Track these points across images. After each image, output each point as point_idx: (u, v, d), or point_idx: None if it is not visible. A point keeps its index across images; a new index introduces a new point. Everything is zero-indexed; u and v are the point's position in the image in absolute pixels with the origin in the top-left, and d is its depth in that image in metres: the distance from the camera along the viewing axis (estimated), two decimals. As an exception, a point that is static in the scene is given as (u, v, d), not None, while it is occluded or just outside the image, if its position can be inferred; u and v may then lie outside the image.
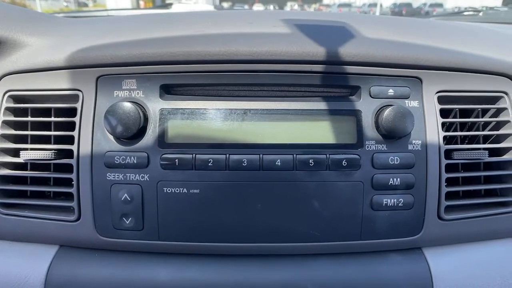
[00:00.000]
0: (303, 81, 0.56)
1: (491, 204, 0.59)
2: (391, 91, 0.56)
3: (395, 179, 0.55)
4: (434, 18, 1.72)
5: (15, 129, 0.58)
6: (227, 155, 0.53)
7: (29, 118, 0.58)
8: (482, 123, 0.61)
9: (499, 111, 0.60)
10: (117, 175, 0.54)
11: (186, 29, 0.59)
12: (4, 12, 0.59)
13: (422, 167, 0.55)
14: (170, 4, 2.25)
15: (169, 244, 0.55)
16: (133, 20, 0.73)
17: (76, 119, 0.55)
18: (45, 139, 0.57)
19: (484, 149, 0.58)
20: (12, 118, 0.58)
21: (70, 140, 0.56)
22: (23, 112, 0.59)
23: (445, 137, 0.57)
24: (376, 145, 0.55)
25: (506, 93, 0.60)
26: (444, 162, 0.56)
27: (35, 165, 0.58)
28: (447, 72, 0.58)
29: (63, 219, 0.56)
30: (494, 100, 0.61)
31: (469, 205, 0.59)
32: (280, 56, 0.53)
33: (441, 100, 0.58)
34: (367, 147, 0.55)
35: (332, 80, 0.56)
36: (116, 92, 0.55)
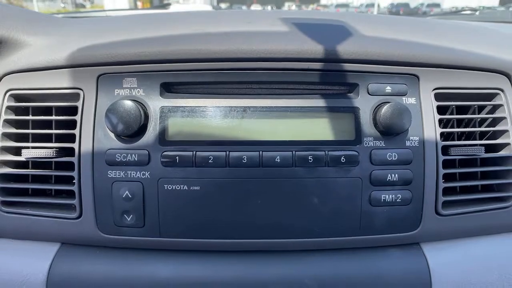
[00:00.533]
0: (302, 79, 0.56)
1: (488, 200, 0.60)
2: (388, 88, 0.57)
3: (393, 175, 0.55)
4: (431, 18, 1.73)
5: (17, 128, 0.58)
6: (227, 152, 0.54)
7: (31, 117, 0.58)
8: (479, 119, 0.62)
9: (495, 108, 0.61)
10: (118, 173, 0.55)
11: (186, 28, 0.60)
12: (5, 12, 0.60)
13: (419, 163, 0.56)
14: (168, 5, 2.26)
15: (170, 240, 0.56)
16: (132, 19, 0.73)
17: (77, 117, 0.56)
18: (47, 138, 0.58)
19: (481, 145, 0.59)
20: (13, 117, 0.58)
21: (71, 138, 0.56)
22: (25, 111, 0.59)
23: (442, 134, 0.57)
24: (374, 141, 0.56)
25: (502, 90, 0.61)
26: (441, 158, 0.57)
27: (37, 164, 0.58)
28: (443, 69, 0.59)
29: (65, 216, 0.56)
30: (490, 97, 0.61)
31: (466, 200, 0.59)
32: (279, 54, 0.54)
33: (438, 97, 0.59)
34: (365, 143, 0.55)
35: (331, 78, 0.56)
36: (117, 91, 0.56)
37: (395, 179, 0.55)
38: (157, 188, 0.54)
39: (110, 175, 0.55)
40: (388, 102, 0.55)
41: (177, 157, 0.54)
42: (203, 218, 0.55)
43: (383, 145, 0.56)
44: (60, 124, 0.58)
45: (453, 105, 0.60)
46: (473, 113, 0.61)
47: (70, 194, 0.57)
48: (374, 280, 0.56)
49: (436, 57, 0.58)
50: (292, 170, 0.54)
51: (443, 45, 0.60)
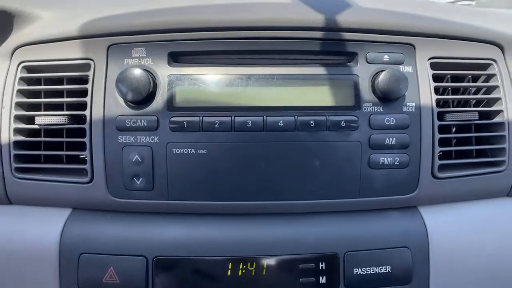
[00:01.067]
0: (304, 48, 0.59)
1: (482, 165, 0.63)
2: (386, 57, 0.59)
3: (391, 139, 0.58)
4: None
5: (29, 98, 0.61)
6: (232, 117, 0.56)
7: (43, 87, 0.60)
8: (473, 89, 0.64)
9: (489, 78, 0.64)
10: (128, 138, 0.57)
11: (192, 0, 0.62)
12: None
13: (416, 128, 0.59)
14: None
15: (178, 203, 0.58)
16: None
17: (88, 86, 0.58)
18: (58, 107, 0.60)
19: (475, 112, 0.61)
20: (26, 87, 0.60)
21: (82, 107, 0.59)
22: (37, 81, 0.61)
23: (437, 101, 0.60)
24: (373, 107, 0.58)
25: (495, 61, 0.63)
26: (437, 123, 0.59)
27: (49, 132, 0.61)
28: (439, 39, 0.61)
29: (77, 181, 0.59)
30: (484, 67, 0.64)
31: (461, 165, 0.62)
32: (281, 23, 0.57)
33: (433, 66, 0.61)
34: (364, 109, 0.58)
35: (331, 47, 0.59)
36: (126, 60, 0.58)
37: (393, 143, 0.58)
38: (165, 152, 0.57)
39: (120, 140, 0.57)
40: (386, 69, 0.57)
41: (184, 122, 0.56)
42: (210, 181, 0.57)
43: (381, 110, 0.58)
44: (71, 94, 0.60)
45: (448, 74, 0.62)
46: (468, 82, 0.64)
47: (81, 161, 0.59)
48: (373, 240, 0.58)
49: (432, 27, 0.60)
50: (295, 134, 0.57)
51: (438, 16, 0.63)
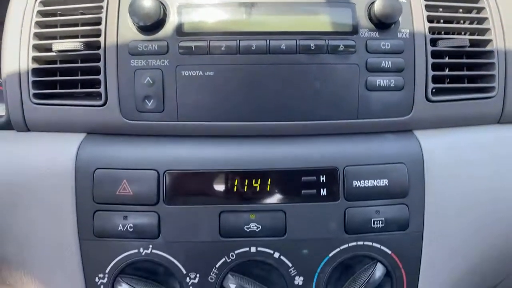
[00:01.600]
0: None
1: (474, 91, 0.66)
2: None
3: (386, 62, 0.62)
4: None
5: (46, 28, 0.64)
6: (238, 41, 0.60)
7: (59, 18, 0.64)
8: (465, 21, 0.68)
9: (479, 10, 0.67)
10: (140, 62, 0.61)
11: None
12: None
13: (410, 52, 0.62)
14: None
15: (187, 124, 0.62)
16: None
17: (102, 15, 0.62)
18: (74, 37, 0.64)
19: (466, 39, 0.65)
20: (43, 19, 0.64)
21: (96, 36, 0.62)
22: (53, 15, 0.65)
23: (430, 28, 0.64)
24: (369, 32, 0.62)
25: None
26: (430, 48, 0.63)
27: (65, 62, 0.64)
28: None
29: (91, 104, 0.62)
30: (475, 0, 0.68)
31: (454, 90, 0.65)
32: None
33: (426, -3, 0.65)
34: (361, 34, 0.62)
35: None
36: None
37: (388, 66, 0.62)
38: (175, 74, 0.60)
39: (132, 64, 0.61)
40: None
41: (192, 46, 0.60)
42: (217, 102, 0.61)
43: (377, 36, 0.62)
44: (85, 23, 0.64)
45: (441, 5, 0.66)
46: (460, 13, 0.68)
47: (95, 86, 0.63)
48: (371, 156, 0.62)
49: None
50: (296, 57, 0.60)
51: None
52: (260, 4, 0.61)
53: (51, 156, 0.62)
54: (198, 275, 0.60)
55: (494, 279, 0.75)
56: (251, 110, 0.61)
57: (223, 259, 0.60)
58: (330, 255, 0.61)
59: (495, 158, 0.65)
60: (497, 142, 0.67)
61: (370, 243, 0.61)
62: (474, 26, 0.67)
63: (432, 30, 0.64)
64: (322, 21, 0.62)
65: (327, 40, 0.61)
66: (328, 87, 0.61)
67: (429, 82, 0.63)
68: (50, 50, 0.63)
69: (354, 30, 0.62)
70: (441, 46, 0.64)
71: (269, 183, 0.60)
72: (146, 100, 0.61)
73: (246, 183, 0.60)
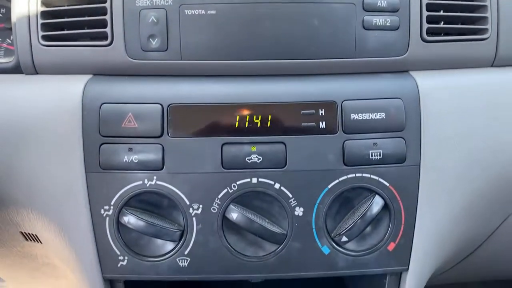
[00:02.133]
0: None
1: (468, 32, 0.68)
2: None
3: (382, 2, 0.64)
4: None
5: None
6: None
7: None
8: None
9: None
10: (144, 1, 0.63)
11: None
12: None
13: None
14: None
15: (190, 63, 0.64)
16: None
17: None
18: None
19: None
20: None
21: None
22: None
23: None
24: None
25: None
26: None
27: (72, 4, 0.66)
28: None
29: (98, 44, 0.65)
30: None
31: (448, 31, 0.68)
32: None
33: None
34: None
35: None
36: None
37: (384, 5, 0.64)
38: (178, 13, 0.63)
39: (137, 4, 0.63)
40: None
41: None
42: (218, 40, 0.63)
43: None
44: None
45: None
46: None
47: (101, 27, 0.65)
48: (369, 91, 0.64)
49: None
50: None
51: None
52: None
53: (59, 94, 0.64)
54: (201, 206, 0.62)
55: (491, 224, 0.76)
56: (252, 48, 0.63)
57: (225, 190, 0.61)
58: (329, 186, 0.62)
59: (489, 97, 0.67)
60: (491, 82, 0.68)
61: (368, 175, 0.62)
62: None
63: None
64: None
65: None
66: (326, 26, 0.63)
67: (423, 22, 0.65)
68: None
69: None
70: (435, -13, 0.66)
71: (269, 116, 0.62)
72: (150, 39, 0.63)
73: (247, 116, 0.62)
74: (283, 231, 0.63)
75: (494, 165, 0.67)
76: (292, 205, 0.62)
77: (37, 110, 0.64)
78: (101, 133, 0.62)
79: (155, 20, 0.63)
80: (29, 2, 0.65)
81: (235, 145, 0.62)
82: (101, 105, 0.62)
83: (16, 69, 0.68)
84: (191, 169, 0.62)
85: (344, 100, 0.62)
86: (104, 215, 0.62)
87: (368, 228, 0.65)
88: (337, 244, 0.64)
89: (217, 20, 0.63)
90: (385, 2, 0.64)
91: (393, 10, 0.64)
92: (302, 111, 0.62)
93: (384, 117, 0.62)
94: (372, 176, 0.63)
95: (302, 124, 0.62)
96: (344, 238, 0.63)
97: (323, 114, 0.62)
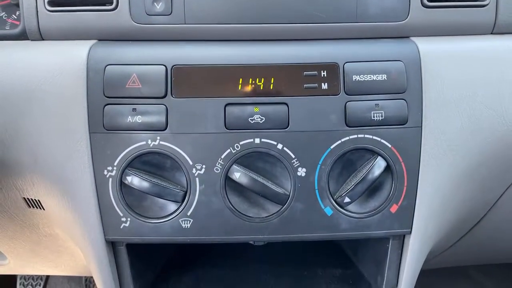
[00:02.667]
0: None
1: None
2: None
3: None
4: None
5: None
6: None
7: None
8: None
9: None
10: None
11: None
12: None
13: None
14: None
15: (194, 27, 0.65)
16: None
17: None
18: None
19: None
20: None
21: None
22: None
23: None
24: None
25: None
26: None
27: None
28: None
29: (103, 8, 0.65)
30: None
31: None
32: None
33: None
34: None
35: None
36: None
37: (385, -29, 0.65)
38: (182, -23, 0.64)
39: (142, -32, 0.64)
40: None
41: None
42: (222, 4, 0.64)
43: None
44: None
45: None
46: None
47: None
48: (370, 54, 0.64)
49: None
50: None
51: None
52: None
53: (64, 58, 0.65)
54: (204, 166, 0.62)
55: (492, 193, 0.77)
56: (254, 12, 0.64)
57: (228, 150, 0.62)
58: (332, 147, 0.63)
59: (488, 63, 0.68)
60: (490, 49, 0.69)
61: (370, 136, 0.63)
62: None
63: None
64: None
65: None
66: (326, -10, 0.65)
67: (424, -12, 0.66)
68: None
69: None
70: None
71: (272, 77, 0.62)
72: (155, 3, 0.64)
73: (250, 77, 0.62)
74: (285, 192, 0.63)
75: (494, 130, 0.67)
76: (295, 166, 0.62)
77: (42, 73, 0.65)
78: (105, 94, 0.62)
79: (160, -16, 0.64)
80: (36, -31, 0.67)
81: (238, 106, 0.62)
82: (105, 67, 0.62)
83: (22, 36, 0.69)
84: (195, 129, 0.62)
85: (346, 62, 0.63)
86: (108, 176, 0.63)
87: (371, 190, 0.65)
88: (339, 206, 0.64)
89: (221, -16, 0.64)
90: (386, -33, 0.65)
91: (394, -25, 0.65)
92: (304, 73, 0.62)
93: (386, 79, 0.63)
94: (374, 137, 0.63)
95: (304, 85, 0.62)
96: (347, 199, 0.63)
97: (325, 75, 0.63)
